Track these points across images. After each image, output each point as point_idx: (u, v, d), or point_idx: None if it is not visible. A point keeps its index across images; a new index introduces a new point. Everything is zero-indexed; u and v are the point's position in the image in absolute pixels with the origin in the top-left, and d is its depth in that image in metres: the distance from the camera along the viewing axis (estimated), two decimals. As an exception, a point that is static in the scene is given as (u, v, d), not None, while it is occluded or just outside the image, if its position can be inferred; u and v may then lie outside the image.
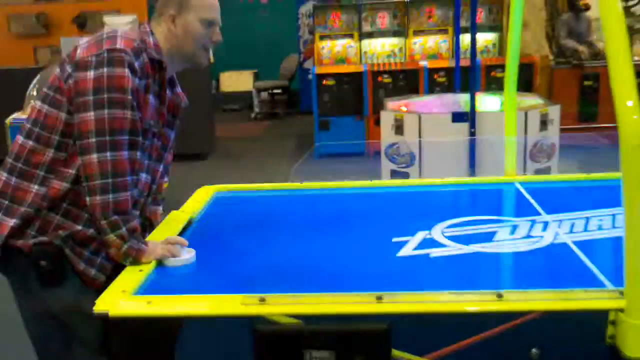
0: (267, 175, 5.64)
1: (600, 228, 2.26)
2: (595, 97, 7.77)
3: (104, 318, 1.71)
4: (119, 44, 1.94)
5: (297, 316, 1.71)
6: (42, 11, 10.73)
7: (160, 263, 2.03)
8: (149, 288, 1.87)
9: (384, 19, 8.40)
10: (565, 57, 8.10)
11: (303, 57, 11.01)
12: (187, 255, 2.08)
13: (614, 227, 2.24)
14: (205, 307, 1.75)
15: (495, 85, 7.18)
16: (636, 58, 8.30)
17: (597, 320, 1.69)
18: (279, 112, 11.39)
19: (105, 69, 1.90)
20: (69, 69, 1.96)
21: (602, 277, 1.85)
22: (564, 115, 7.38)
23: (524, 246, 2.15)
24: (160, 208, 2.37)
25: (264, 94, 11.60)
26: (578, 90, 7.77)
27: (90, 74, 1.90)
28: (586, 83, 7.79)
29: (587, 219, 2.36)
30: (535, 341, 1.70)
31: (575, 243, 2.13)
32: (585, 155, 4.48)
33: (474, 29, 4.52)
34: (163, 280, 1.95)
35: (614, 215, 2.34)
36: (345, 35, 8.39)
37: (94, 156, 1.89)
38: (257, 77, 12.11)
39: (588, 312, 1.69)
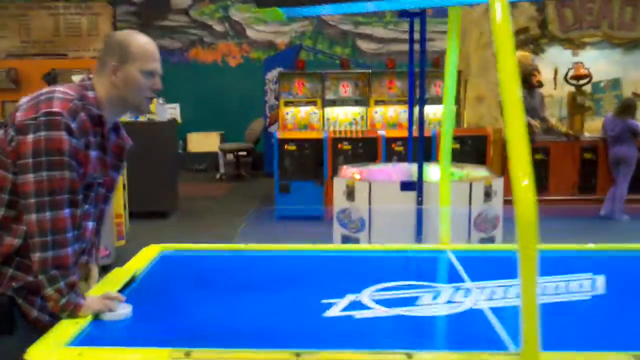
0: (226, 234, 5.74)
1: (518, 295, 2.41)
2: (546, 169, 8.07)
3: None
4: (55, 107, 2.05)
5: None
6: (13, 67, 10.89)
7: (96, 316, 2.12)
8: (82, 340, 1.96)
9: (346, 88, 8.70)
10: (520, 131, 8.41)
11: (268, 122, 11.26)
12: (124, 310, 2.17)
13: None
14: (134, 359, 1.85)
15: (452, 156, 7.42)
16: (587, 134, 8.68)
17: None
18: (243, 173, 11.55)
19: (42, 133, 2.01)
20: (11, 131, 2.08)
21: (507, 340, 1.99)
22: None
23: (444, 310, 2.28)
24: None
25: (230, 156, 11.78)
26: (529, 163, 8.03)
27: (29, 137, 2.02)
28: (537, 156, 8.10)
29: (508, 287, 2.50)
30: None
31: (491, 309, 2.27)
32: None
33: (422, 101, 4.75)
34: (97, 333, 2.03)
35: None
36: (309, 102, 8.65)
37: (33, 216, 2.00)
38: (223, 139, 12.31)
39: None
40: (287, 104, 8.67)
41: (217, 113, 12.05)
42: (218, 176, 11.60)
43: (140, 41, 2.25)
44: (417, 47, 4.88)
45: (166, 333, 2.07)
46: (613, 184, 7.96)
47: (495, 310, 2.26)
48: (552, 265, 2.69)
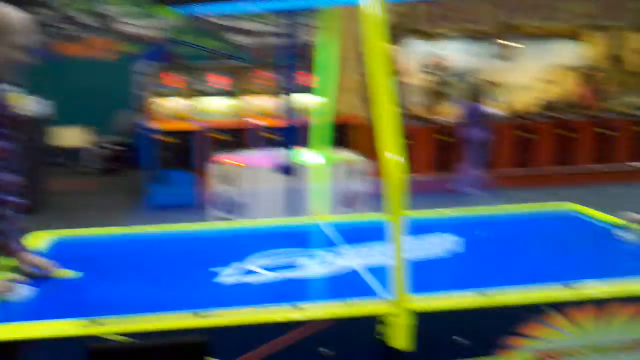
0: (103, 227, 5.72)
1: (384, 254, 2.76)
2: (407, 151, 8.63)
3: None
4: None
5: (126, 335, 2.00)
6: None
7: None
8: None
9: (217, 80, 8.85)
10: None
11: (140, 114, 11.15)
12: (25, 290, 2.31)
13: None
14: (45, 330, 2.00)
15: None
16: (443, 118, 9.38)
17: (372, 322, 2.14)
18: (114, 167, 11.38)
19: None
20: None
21: (379, 291, 2.32)
22: (378, 168, 8.19)
23: (321, 271, 2.60)
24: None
25: (101, 149, 11.56)
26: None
27: None
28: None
29: (376, 248, 2.86)
30: (326, 343, 2.12)
31: (363, 267, 2.62)
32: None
33: (292, 91, 5.07)
34: (2, 311, 2.16)
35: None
36: (180, 94, 8.73)
37: None
38: (93, 133, 12.03)
39: (368, 316, 2.14)
40: (158, 96, 8.69)
41: (88, 107, 11.74)
42: (89, 171, 11.37)
43: (6, 15, 2.34)
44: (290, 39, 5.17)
45: (70, 307, 2.24)
46: (467, 162, 8.70)
47: (366, 268, 2.60)
48: (413, 229, 3.07)
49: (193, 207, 7.47)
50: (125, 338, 2.00)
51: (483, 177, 8.58)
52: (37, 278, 2.43)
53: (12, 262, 2.47)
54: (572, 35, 10.59)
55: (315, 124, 3.48)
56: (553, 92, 10.68)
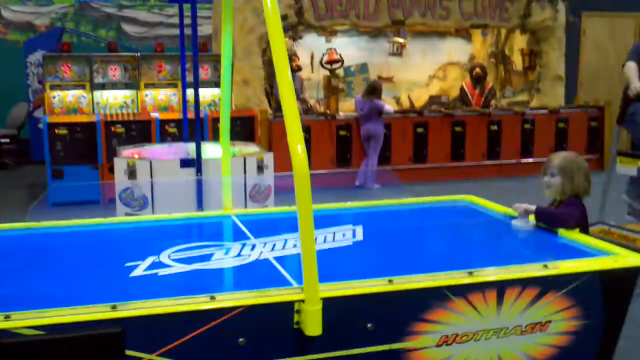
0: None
1: (294, 246, 2.87)
2: (307, 146, 8.77)
3: None
4: None
5: (41, 328, 2.00)
6: None
7: None
8: None
9: (115, 71, 8.65)
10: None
11: (33, 106, 10.71)
12: None
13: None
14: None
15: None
16: (341, 114, 9.57)
17: (285, 310, 2.24)
18: (7, 161, 10.88)
19: None
20: None
21: (291, 280, 2.42)
22: (280, 161, 8.28)
23: (235, 262, 2.67)
24: None
25: (-10, 143, 11.01)
26: (294, 140, 8.71)
27: None
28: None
29: (286, 240, 2.96)
30: (242, 332, 2.20)
31: (275, 258, 2.71)
32: (289, 196, 5.19)
33: (196, 85, 5.08)
34: None
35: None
36: (76, 86, 8.47)
37: None
38: (-18, 126, 11.45)
39: (280, 304, 2.24)
40: (53, 87, 8.39)
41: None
42: (-21, 165, 10.81)
43: None
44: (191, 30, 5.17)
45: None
46: (365, 157, 8.95)
47: (278, 259, 2.70)
48: (320, 222, 3.20)
49: (96, 203, 7.28)
50: (38, 332, 2.00)
51: (379, 171, 8.85)
52: None
53: None
54: (461, 34, 11.11)
55: (226, 117, 3.53)
56: (441, 89, 11.18)
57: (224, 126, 3.50)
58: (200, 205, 4.78)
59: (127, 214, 4.88)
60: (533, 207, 3.09)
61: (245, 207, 4.95)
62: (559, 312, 2.53)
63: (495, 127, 9.75)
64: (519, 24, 10.40)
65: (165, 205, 4.81)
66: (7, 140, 10.84)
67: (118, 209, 4.98)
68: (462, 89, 10.41)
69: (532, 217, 3.11)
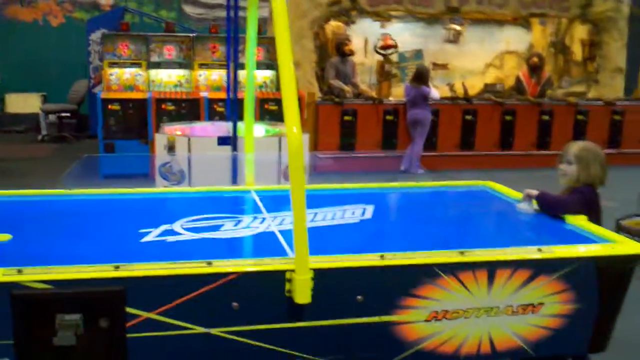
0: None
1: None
2: (353, 129, 8.89)
3: None
4: None
5: (49, 282, 2.18)
6: None
7: None
8: None
9: (171, 51, 8.93)
10: (333, 95, 9.17)
11: (93, 83, 11.16)
12: None
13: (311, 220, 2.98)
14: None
15: (269, 116, 7.98)
16: (392, 99, 9.61)
17: (280, 279, 2.35)
18: (67, 135, 11.38)
19: None
20: None
21: (289, 251, 2.54)
22: (326, 144, 8.40)
23: (241, 233, 2.80)
24: None
25: (52, 117, 11.54)
26: (339, 123, 8.85)
27: None
28: (346, 118, 8.89)
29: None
30: (236, 297, 2.33)
31: (280, 231, 2.83)
32: (334, 177, 5.33)
33: (236, 66, 5.23)
34: None
35: (315, 213, 3.09)
36: (133, 64, 8.79)
37: None
38: (45, 100, 12.00)
39: (272, 273, 2.35)
40: (111, 65, 8.74)
41: (38, 74, 11.69)
42: (40, 138, 11.35)
43: None
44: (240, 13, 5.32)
45: (2, 258, 2.40)
46: (411, 142, 8.97)
47: (283, 232, 2.81)
48: (335, 200, 3.32)
49: (144, 176, 7.58)
50: (47, 286, 2.17)
51: (424, 157, 8.86)
52: None
53: None
54: (520, 22, 10.92)
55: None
56: (497, 77, 11.03)
57: (248, 106, 3.62)
58: (234, 181, 4.95)
59: (164, 187, 5.09)
60: (536, 192, 3.11)
61: (279, 184, 5.09)
62: (552, 295, 2.56)
63: (546, 117, 9.59)
64: (580, 13, 10.16)
65: (202, 180, 5.00)
66: (68, 114, 11.32)
67: (157, 183, 5.20)
68: (518, 78, 10.27)
69: (535, 202, 3.13)
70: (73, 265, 2.26)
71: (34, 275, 2.18)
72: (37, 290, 2.18)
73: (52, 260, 2.32)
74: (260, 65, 8.91)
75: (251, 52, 3.55)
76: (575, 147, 3.23)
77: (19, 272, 2.19)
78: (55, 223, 2.94)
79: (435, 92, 9.03)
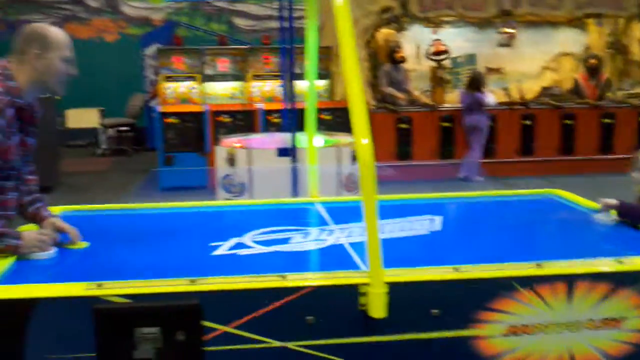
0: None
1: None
2: (409, 137, 8.83)
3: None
4: None
5: (128, 297, 2.21)
6: None
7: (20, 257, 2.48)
8: (7, 279, 2.31)
9: (224, 64, 9.04)
10: (386, 103, 9.13)
11: (149, 97, 11.38)
12: (49, 250, 2.57)
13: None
14: (55, 291, 2.21)
15: (323, 126, 7.98)
16: (447, 105, 9.52)
17: (354, 293, 2.34)
18: (125, 148, 11.62)
19: None
20: None
21: (361, 264, 2.52)
22: (381, 153, 8.35)
23: (311, 246, 2.80)
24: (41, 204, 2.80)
25: (111, 131, 11.81)
26: (395, 131, 8.80)
27: None
28: (401, 126, 8.85)
29: (363, 227, 3.04)
30: (310, 311, 2.32)
31: (350, 244, 2.82)
32: (392, 186, 5.28)
33: (292, 77, 5.26)
34: (19, 272, 2.39)
35: (383, 225, 3.06)
36: (188, 78, 8.93)
37: None
38: (103, 115, 12.29)
39: (347, 287, 2.34)
40: (167, 79, 8.90)
41: (96, 89, 11.99)
42: (99, 152, 11.63)
43: (57, 32, 2.61)
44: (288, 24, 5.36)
45: (80, 272, 2.46)
46: (468, 149, 8.86)
47: (352, 244, 2.80)
48: (401, 211, 3.29)
49: (202, 188, 7.69)
50: (126, 300, 2.21)
51: (482, 164, 8.74)
52: (61, 243, 2.68)
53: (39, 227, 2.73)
54: (575, 24, 10.69)
55: (308, 108, 3.66)
56: (554, 80, 10.81)
57: (310, 116, 3.63)
58: (295, 192, 4.97)
59: (226, 199, 5.15)
60: (615, 202, 3.02)
61: (338, 195, 5.09)
62: (635, 309, 2.47)
63: (608, 120, 9.35)
64: (638, 12, 9.89)
65: (262, 192, 5.04)
66: (126, 128, 11.57)
67: (218, 194, 5.26)
68: (575, 80, 10.06)
69: (613, 212, 3.03)
70: (150, 279, 2.29)
71: (114, 289, 2.22)
72: (118, 305, 2.21)
73: (129, 274, 2.36)
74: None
75: (312, 62, 3.55)
76: None
77: (99, 286, 2.23)
78: (126, 236, 2.99)
79: (492, 97, 8.90)
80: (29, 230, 2.64)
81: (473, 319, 2.40)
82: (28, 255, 2.51)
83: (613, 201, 3.03)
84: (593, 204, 3.29)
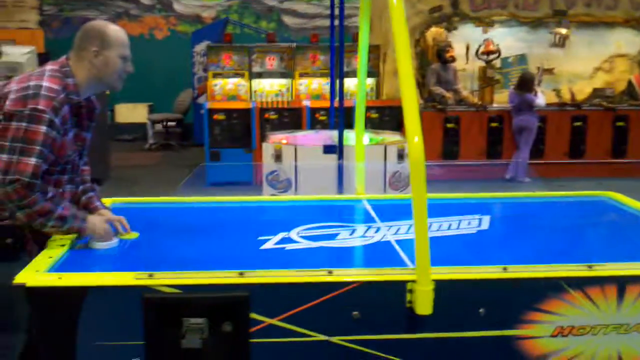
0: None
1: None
2: (456, 137, 8.75)
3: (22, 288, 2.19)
4: (41, 105, 2.42)
5: (178, 287, 2.25)
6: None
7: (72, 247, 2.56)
8: (60, 266, 2.38)
9: (272, 61, 9.10)
10: (435, 102, 9.07)
11: (197, 93, 11.53)
12: (112, 240, 2.64)
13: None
14: (106, 280, 2.27)
15: (369, 124, 7.98)
16: (495, 105, 9.40)
17: (401, 289, 2.34)
18: (172, 143, 11.79)
19: (24, 124, 2.41)
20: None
21: (407, 261, 2.52)
22: (429, 151, 8.30)
23: (358, 242, 2.81)
24: (92, 193, 2.88)
25: (158, 126, 12.01)
26: (442, 130, 8.74)
27: (13, 124, 2.41)
28: (449, 125, 8.78)
29: (410, 225, 3.03)
30: (356, 306, 2.33)
31: (396, 241, 2.81)
32: (439, 185, 5.24)
33: (341, 74, 5.26)
34: (74, 261, 2.46)
35: (430, 223, 3.04)
36: (236, 75, 9.02)
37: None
38: (151, 110, 12.50)
39: (393, 283, 2.34)
40: (215, 75, 9.01)
41: (145, 85, 12.16)
42: (147, 146, 11.83)
43: (116, 30, 2.67)
44: (338, 22, 5.36)
45: (131, 262, 2.51)
46: (516, 150, 8.74)
47: (399, 242, 2.80)
48: (448, 210, 3.27)
49: (248, 184, 7.77)
50: (176, 290, 2.25)
51: (530, 165, 8.62)
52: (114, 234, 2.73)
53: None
54: (631, 24, 10.43)
55: (361, 105, 3.66)
56: (607, 82, 10.57)
57: (359, 114, 3.63)
58: (340, 189, 4.97)
59: (272, 195, 5.18)
60: None
61: (384, 193, 5.08)
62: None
63: (662, 124, 9.12)
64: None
65: (308, 188, 5.06)
66: (174, 123, 11.74)
67: (264, 191, 5.30)
68: (630, 82, 9.82)
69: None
70: (200, 270, 2.33)
71: (164, 279, 2.26)
72: (167, 294, 2.25)
73: (180, 265, 2.39)
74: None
75: (363, 60, 3.55)
76: None
77: (150, 276, 2.27)
78: (180, 229, 3.04)
79: (542, 98, 8.75)
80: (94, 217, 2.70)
81: (520, 318, 2.38)
82: (91, 243, 2.58)
83: None
84: (647, 207, 3.22)
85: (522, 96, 8.49)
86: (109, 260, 2.56)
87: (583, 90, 10.41)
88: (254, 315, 2.29)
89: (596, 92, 10.17)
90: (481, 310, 2.36)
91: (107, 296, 2.25)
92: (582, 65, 10.61)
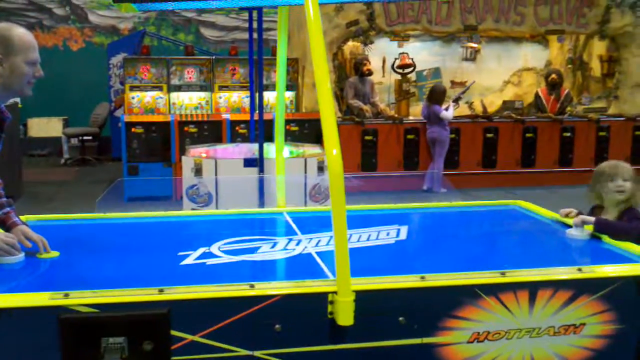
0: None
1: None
2: (374, 149, 8.92)
3: None
4: None
5: (96, 306, 2.20)
6: None
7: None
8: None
9: (191, 74, 9.03)
10: (353, 115, 9.21)
11: (114, 106, 11.28)
12: (18, 255, 2.56)
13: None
14: (20, 301, 2.19)
15: (289, 137, 8.03)
16: (411, 118, 9.62)
17: (322, 301, 2.36)
18: (89, 158, 11.49)
19: None
20: None
21: (328, 273, 2.55)
22: (346, 164, 8.42)
23: (279, 255, 2.82)
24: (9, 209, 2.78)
25: (74, 140, 11.67)
26: (360, 143, 8.88)
27: None
28: (367, 138, 8.93)
29: (331, 237, 3.07)
30: (278, 319, 2.34)
31: (317, 253, 2.84)
32: (357, 197, 5.32)
33: (261, 88, 5.28)
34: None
35: (350, 234, 3.10)
36: (154, 87, 8.89)
37: None
38: (67, 124, 12.14)
39: (315, 295, 2.36)
40: (132, 88, 8.85)
41: (60, 98, 11.84)
42: (62, 161, 11.47)
43: (21, 33, 2.55)
44: (257, 35, 5.39)
45: (46, 281, 2.44)
46: (431, 161, 8.98)
47: (320, 253, 2.83)
48: (367, 221, 3.33)
49: (168, 198, 7.64)
50: (93, 309, 2.20)
51: (445, 176, 8.86)
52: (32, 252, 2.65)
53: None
54: (537, 40, 10.94)
55: (280, 118, 3.69)
56: (517, 94, 11.03)
57: (279, 127, 3.66)
58: (261, 202, 4.98)
59: (192, 209, 5.13)
60: (591, 218, 3.08)
61: (305, 206, 5.12)
62: (594, 316, 2.54)
63: (568, 134, 9.57)
64: (597, 30, 10.16)
65: (229, 202, 5.03)
66: (90, 138, 11.44)
67: (184, 206, 5.24)
68: (537, 95, 10.27)
69: (588, 227, 3.09)
70: (118, 289, 2.28)
71: (81, 299, 2.21)
72: (84, 314, 2.20)
73: (97, 284, 2.33)
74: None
75: (282, 73, 3.58)
76: (628, 167, 3.34)
77: (66, 296, 2.21)
78: (93, 245, 2.97)
79: (451, 111, 8.93)
80: None
81: (438, 326, 2.44)
82: None
83: (589, 218, 3.10)
84: (554, 214, 3.37)
85: (430, 108, 8.75)
86: (23, 281, 2.47)
87: (494, 103, 10.81)
88: (174, 333, 2.26)
89: (506, 105, 10.59)
90: (401, 319, 2.41)
91: (21, 318, 2.17)
92: (493, 78, 11.03)
